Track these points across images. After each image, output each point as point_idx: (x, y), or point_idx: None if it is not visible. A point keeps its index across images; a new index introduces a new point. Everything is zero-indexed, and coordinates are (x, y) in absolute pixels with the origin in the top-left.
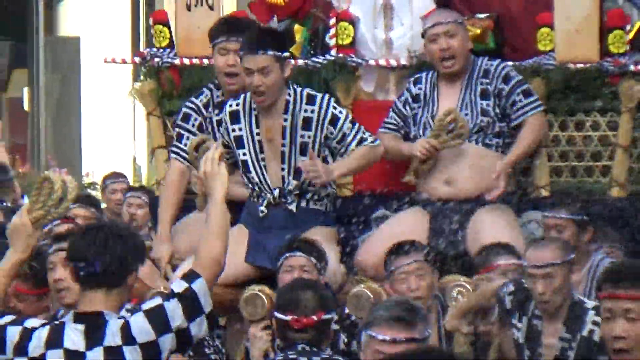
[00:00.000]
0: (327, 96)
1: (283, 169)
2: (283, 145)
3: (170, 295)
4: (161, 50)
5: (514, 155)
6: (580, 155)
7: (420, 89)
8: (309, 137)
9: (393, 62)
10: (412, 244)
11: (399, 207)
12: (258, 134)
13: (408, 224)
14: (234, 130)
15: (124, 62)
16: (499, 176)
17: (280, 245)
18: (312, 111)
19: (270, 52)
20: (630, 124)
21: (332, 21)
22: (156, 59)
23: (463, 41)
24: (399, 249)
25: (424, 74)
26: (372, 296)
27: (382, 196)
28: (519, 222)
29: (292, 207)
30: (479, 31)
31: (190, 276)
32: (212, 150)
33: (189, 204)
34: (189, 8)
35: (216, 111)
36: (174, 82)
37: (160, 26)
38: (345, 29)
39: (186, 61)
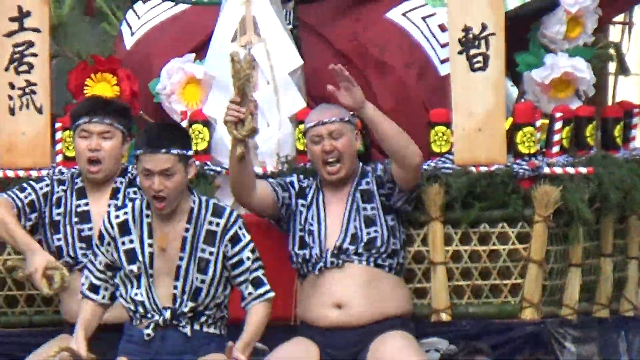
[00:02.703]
0: (235, 212)
1: (176, 287)
2: (180, 258)
3: None
4: None
5: None
6: (485, 272)
7: (307, 185)
8: (210, 253)
9: (258, 170)
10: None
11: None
12: (151, 245)
13: (295, 357)
14: (124, 244)
15: None
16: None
17: None
18: (218, 224)
19: (174, 151)
20: (545, 235)
21: (184, 123)
22: None
23: (350, 141)
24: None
25: None
26: None
27: None
28: None
29: (187, 330)
30: None
31: None
32: None
33: None
34: (12, 112)
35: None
36: None
37: None
38: (199, 132)
39: (10, 173)
